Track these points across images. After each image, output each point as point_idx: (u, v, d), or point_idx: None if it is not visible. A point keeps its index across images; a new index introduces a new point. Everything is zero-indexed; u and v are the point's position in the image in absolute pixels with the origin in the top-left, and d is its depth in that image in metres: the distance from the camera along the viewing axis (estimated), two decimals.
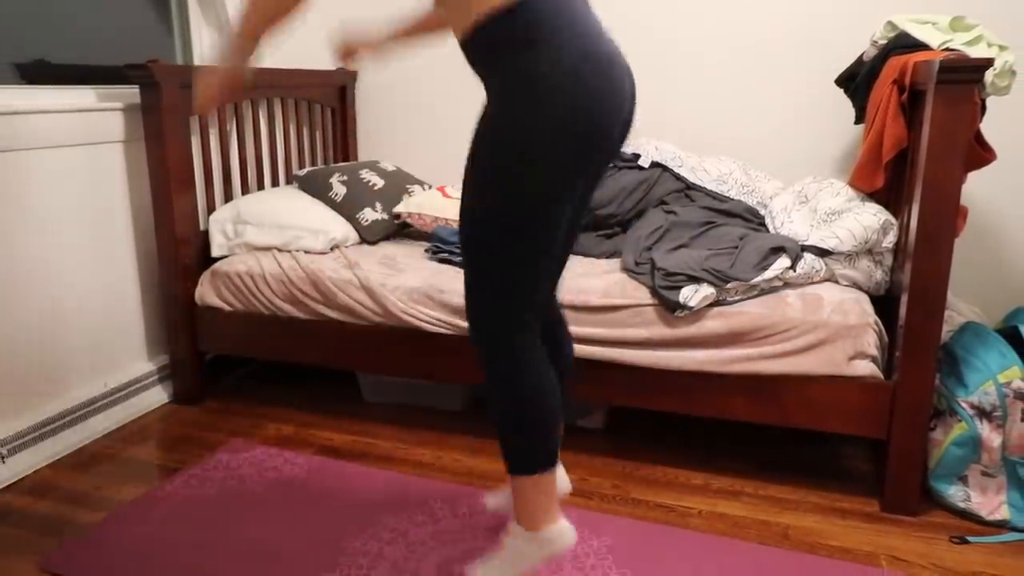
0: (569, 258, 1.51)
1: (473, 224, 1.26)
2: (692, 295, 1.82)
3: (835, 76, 2.37)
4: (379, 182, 2.57)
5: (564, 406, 1.55)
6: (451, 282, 2.06)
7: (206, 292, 2.29)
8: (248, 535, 1.66)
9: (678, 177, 2.39)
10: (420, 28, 1.55)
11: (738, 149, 2.67)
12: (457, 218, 2.38)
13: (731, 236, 2.04)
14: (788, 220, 2.06)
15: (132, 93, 2.19)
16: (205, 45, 2.59)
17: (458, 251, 2.23)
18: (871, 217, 1.91)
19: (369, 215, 2.46)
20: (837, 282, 1.95)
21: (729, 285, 1.84)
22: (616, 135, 1.24)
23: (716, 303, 1.85)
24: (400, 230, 2.58)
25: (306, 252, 2.29)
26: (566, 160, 1.18)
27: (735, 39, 2.60)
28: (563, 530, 1.37)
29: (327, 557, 1.59)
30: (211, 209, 2.43)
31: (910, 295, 1.67)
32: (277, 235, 2.30)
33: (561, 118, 1.14)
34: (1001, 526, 1.74)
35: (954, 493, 1.77)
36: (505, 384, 1.31)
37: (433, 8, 1.30)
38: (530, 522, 1.36)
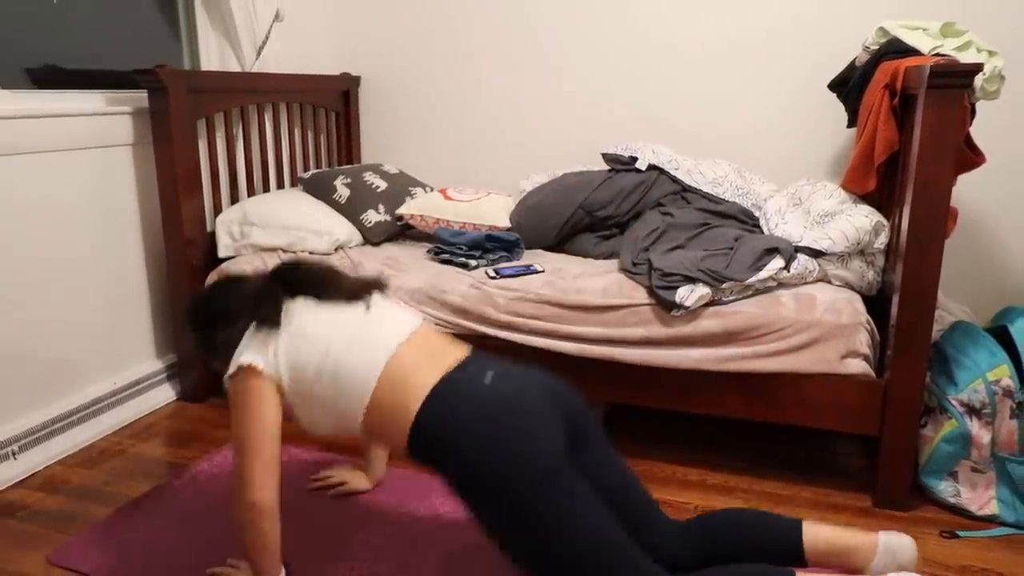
0: (643, 502, 1.43)
1: (533, 565, 1.26)
2: (688, 295, 1.82)
3: (828, 81, 2.37)
4: (382, 184, 2.57)
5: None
6: (452, 282, 2.06)
7: None
8: None
9: (674, 180, 2.39)
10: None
11: (733, 152, 2.67)
12: (458, 220, 2.39)
13: (726, 237, 2.04)
14: (782, 221, 2.06)
15: (141, 97, 2.19)
16: (212, 50, 2.59)
17: (459, 252, 2.23)
18: (863, 219, 1.91)
19: (372, 217, 2.46)
20: (830, 282, 1.95)
21: (724, 285, 1.84)
22: (552, 433, 1.28)
23: (712, 303, 1.85)
24: (402, 231, 2.58)
25: (311, 253, 2.29)
26: (533, 488, 1.23)
27: (730, 45, 2.60)
28: None
29: (331, 550, 1.59)
30: (218, 211, 2.43)
31: (901, 295, 1.67)
32: (282, 236, 2.30)
33: (505, 478, 1.24)
34: (990, 521, 1.74)
35: (944, 488, 1.77)
36: None
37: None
38: None
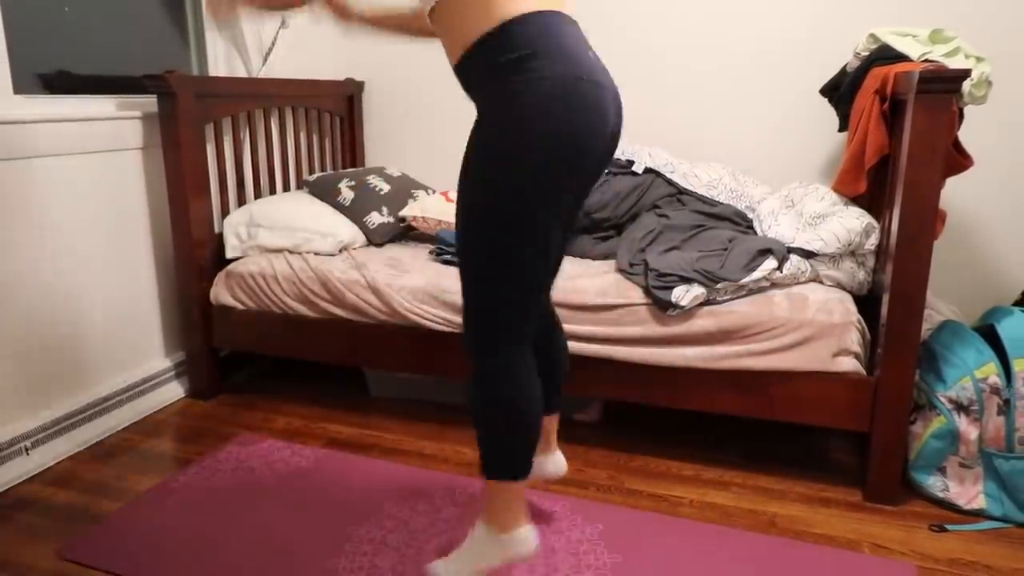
0: (562, 262, 1.50)
1: (466, 238, 1.25)
2: (684, 295, 1.82)
3: (820, 86, 2.37)
4: (385, 187, 2.57)
5: (557, 403, 1.58)
6: (454, 282, 2.06)
7: (220, 292, 2.29)
8: (257, 523, 1.66)
9: (670, 182, 2.39)
10: (409, 29, 1.52)
11: (728, 156, 2.67)
12: None
13: (721, 238, 2.04)
14: (775, 223, 2.06)
15: (150, 102, 2.19)
16: (219, 56, 2.59)
17: None
18: (854, 220, 1.91)
19: (376, 218, 2.46)
20: (822, 282, 1.95)
21: (719, 285, 1.84)
22: (600, 153, 1.22)
23: (706, 302, 1.85)
24: (405, 233, 2.58)
25: (316, 254, 2.29)
26: (551, 179, 1.17)
27: (725, 52, 2.60)
28: (527, 535, 1.37)
29: (333, 543, 1.59)
30: (225, 213, 2.44)
31: (891, 295, 1.67)
32: (288, 237, 2.30)
33: (544, 141, 1.14)
34: (978, 515, 1.74)
35: (933, 483, 1.77)
36: (489, 389, 1.30)
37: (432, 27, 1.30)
38: (496, 523, 1.36)
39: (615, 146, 1.30)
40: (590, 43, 1.24)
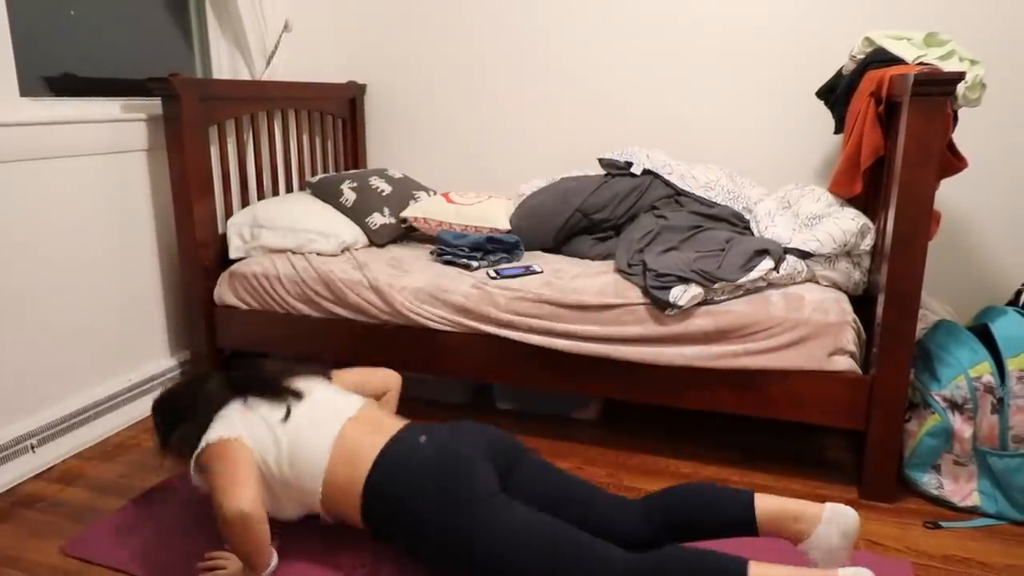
0: (550, 472, 1.51)
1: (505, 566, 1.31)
2: (681, 294, 1.82)
3: (816, 89, 2.37)
4: (387, 188, 2.57)
5: (740, 515, 1.39)
6: (454, 282, 2.06)
7: (224, 292, 2.29)
8: None
9: (668, 184, 2.39)
10: None
11: (725, 157, 2.67)
12: (460, 222, 2.39)
13: (718, 239, 2.04)
14: (772, 224, 2.07)
15: (154, 105, 2.19)
16: (223, 59, 2.59)
17: (461, 253, 2.23)
18: (850, 221, 1.91)
19: (377, 219, 2.46)
20: (818, 282, 1.95)
21: (716, 285, 1.84)
22: (491, 476, 1.40)
23: (704, 302, 1.86)
24: (407, 233, 2.58)
25: (318, 254, 2.29)
26: (481, 515, 1.33)
27: (723, 56, 2.60)
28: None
29: (335, 540, 1.58)
30: (229, 214, 2.44)
31: (886, 295, 1.68)
32: (291, 238, 2.31)
33: (454, 515, 1.34)
34: (972, 512, 1.74)
35: (928, 481, 1.77)
36: None
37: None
38: None
39: (496, 435, 1.51)
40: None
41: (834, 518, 1.33)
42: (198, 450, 1.46)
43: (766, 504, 1.36)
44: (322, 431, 1.49)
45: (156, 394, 1.70)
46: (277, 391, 1.57)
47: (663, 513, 1.40)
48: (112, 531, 1.62)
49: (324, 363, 1.72)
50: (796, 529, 1.34)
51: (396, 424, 1.54)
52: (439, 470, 1.39)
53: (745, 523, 1.36)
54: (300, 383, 1.62)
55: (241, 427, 1.48)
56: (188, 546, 1.57)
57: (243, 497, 1.34)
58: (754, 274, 1.86)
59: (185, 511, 1.69)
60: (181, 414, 1.59)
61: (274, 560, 1.43)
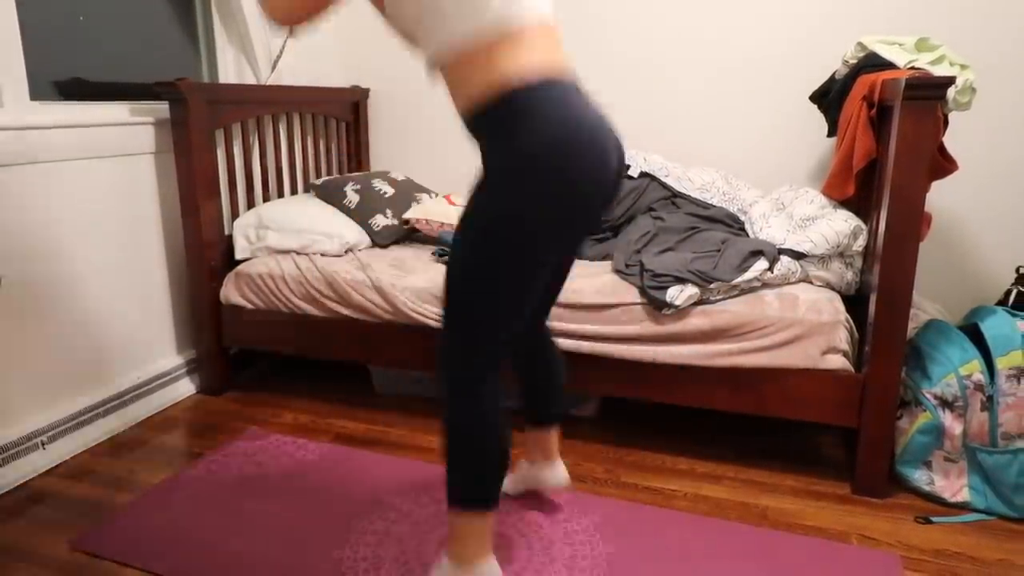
0: (562, 288, 1.50)
1: (457, 271, 1.22)
2: (678, 294, 1.82)
3: (809, 93, 2.37)
4: (390, 190, 2.57)
5: (556, 416, 1.63)
6: None
7: (230, 292, 2.29)
8: (265, 515, 1.66)
9: (665, 186, 2.38)
10: None
11: (720, 160, 2.67)
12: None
13: (714, 240, 2.04)
14: (766, 225, 2.06)
15: (162, 108, 2.19)
16: (229, 64, 2.59)
17: None
18: (842, 223, 1.91)
19: (380, 221, 2.46)
20: (811, 283, 1.95)
21: (712, 285, 1.84)
22: (598, 205, 1.22)
23: (700, 302, 1.85)
24: (409, 235, 2.58)
25: (322, 255, 2.29)
26: (548, 230, 1.16)
27: (718, 60, 2.60)
28: (490, 570, 1.32)
29: (338, 535, 1.59)
30: (235, 215, 2.43)
31: (879, 294, 1.67)
32: (296, 239, 2.30)
33: (546, 196, 1.13)
34: (962, 507, 1.74)
35: (919, 477, 1.77)
36: (456, 418, 1.26)
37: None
38: (459, 556, 1.31)
39: (614, 198, 1.27)
40: (591, 98, 1.23)
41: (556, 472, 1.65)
42: None
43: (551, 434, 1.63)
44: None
45: None
46: None
47: (532, 361, 1.56)
48: (121, 526, 1.62)
49: None
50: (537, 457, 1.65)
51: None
52: (588, 161, 1.14)
53: (540, 419, 1.62)
54: None
55: None
56: (195, 541, 1.57)
57: None
58: (749, 274, 1.86)
59: (193, 507, 1.69)
60: None
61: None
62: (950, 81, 1.55)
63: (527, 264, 1.18)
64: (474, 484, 1.28)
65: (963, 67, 1.84)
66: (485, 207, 1.17)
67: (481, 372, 1.26)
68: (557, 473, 1.66)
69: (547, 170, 1.12)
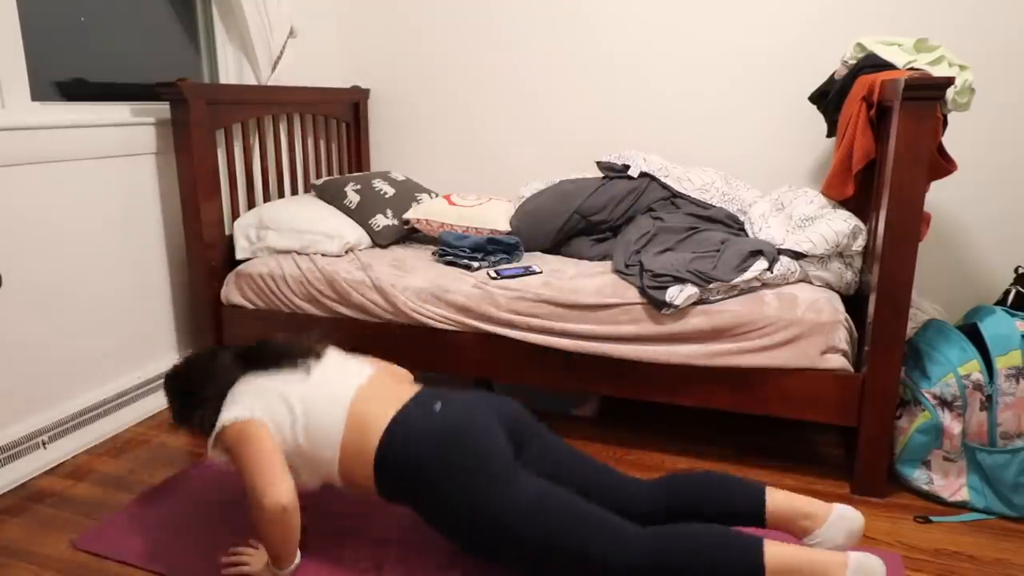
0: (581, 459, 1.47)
1: (520, 559, 1.28)
2: (677, 294, 1.82)
3: (809, 94, 2.37)
4: (390, 191, 2.57)
5: (756, 504, 1.37)
6: (456, 283, 2.06)
7: (231, 292, 2.29)
8: None
9: (664, 186, 2.38)
10: None
11: (720, 160, 2.67)
12: (461, 224, 2.38)
13: (713, 240, 2.03)
14: (766, 226, 2.06)
15: (163, 109, 2.19)
16: (230, 64, 2.59)
17: (462, 254, 2.23)
18: (842, 223, 1.91)
19: (381, 221, 2.45)
20: (811, 282, 1.95)
21: (711, 285, 1.84)
22: (506, 447, 1.36)
23: (700, 302, 1.85)
24: (409, 235, 2.58)
25: (323, 255, 2.29)
26: (496, 487, 1.29)
27: (718, 62, 2.60)
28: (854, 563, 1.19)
29: (339, 534, 1.58)
30: (235, 215, 2.43)
31: (878, 294, 1.67)
32: (296, 239, 2.30)
33: (468, 488, 1.30)
34: (961, 507, 1.74)
35: (918, 476, 1.77)
36: None
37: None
38: None
39: (512, 408, 1.46)
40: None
41: (841, 519, 1.33)
42: (215, 431, 1.41)
43: (778, 499, 1.36)
44: (336, 398, 1.43)
45: (167, 370, 1.64)
46: (291, 357, 1.51)
47: (674, 494, 1.39)
48: (122, 525, 1.62)
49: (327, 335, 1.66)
50: (803, 525, 1.34)
51: (409, 390, 1.47)
52: (454, 439, 1.33)
53: (754, 516, 1.36)
54: (312, 346, 1.56)
55: (256, 404, 1.42)
56: (197, 541, 1.57)
57: (282, 491, 1.30)
58: (748, 274, 1.86)
59: (193, 506, 1.69)
60: (193, 391, 1.53)
61: (298, 557, 1.42)
62: (949, 82, 1.55)
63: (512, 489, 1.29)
64: (731, 563, 1.19)
65: (962, 68, 1.84)
66: (461, 522, 1.32)
67: (623, 547, 1.23)
68: (843, 518, 1.36)
69: (450, 482, 1.32)
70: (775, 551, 1.20)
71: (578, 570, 1.23)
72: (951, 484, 1.74)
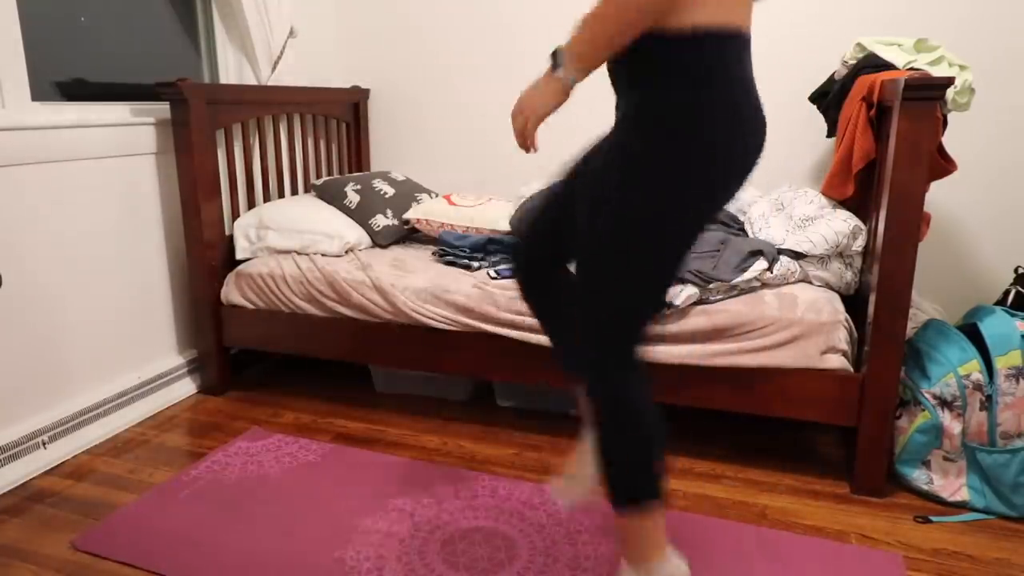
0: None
1: (606, 246, 1.10)
2: (677, 294, 1.82)
3: (809, 93, 2.36)
4: (390, 191, 2.56)
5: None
6: (456, 283, 2.06)
7: (231, 292, 2.29)
8: (267, 515, 1.66)
9: None
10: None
11: None
12: (461, 224, 2.38)
13: (713, 240, 2.03)
14: (766, 226, 2.06)
15: (163, 109, 2.19)
16: (230, 64, 2.59)
17: (462, 254, 2.22)
18: (842, 223, 1.91)
19: (381, 221, 2.45)
20: (811, 282, 1.94)
21: (711, 285, 1.84)
22: (746, 177, 1.13)
23: (700, 302, 1.85)
24: (409, 235, 2.58)
25: (323, 255, 2.29)
26: (703, 205, 1.07)
27: None
28: (677, 568, 1.22)
29: (341, 535, 1.58)
30: (236, 215, 2.43)
31: (878, 294, 1.67)
32: (296, 239, 2.30)
33: (712, 170, 1.05)
34: (961, 507, 1.74)
35: (918, 476, 1.77)
36: (617, 409, 1.16)
37: None
38: (640, 558, 1.21)
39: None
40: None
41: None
42: None
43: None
44: None
45: None
46: None
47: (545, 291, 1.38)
48: (123, 526, 1.62)
49: None
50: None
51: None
52: (742, 144, 1.07)
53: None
54: None
55: None
56: (198, 541, 1.56)
57: None
58: (748, 274, 1.86)
59: (195, 507, 1.69)
60: None
61: (585, 77, 1.08)
62: (949, 82, 1.55)
63: (687, 236, 1.10)
64: (643, 476, 1.18)
65: (962, 68, 1.84)
66: (646, 170, 1.05)
67: (636, 356, 1.17)
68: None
69: (723, 139, 1.03)
70: (661, 508, 1.22)
71: (618, 330, 1.14)
72: (951, 484, 1.74)
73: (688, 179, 1.05)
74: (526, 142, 1.16)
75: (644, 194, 1.06)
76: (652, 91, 1.06)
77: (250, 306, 2.27)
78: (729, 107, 1.04)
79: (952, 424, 1.71)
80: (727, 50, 1.04)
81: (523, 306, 1.96)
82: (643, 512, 1.19)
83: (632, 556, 1.23)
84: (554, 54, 1.08)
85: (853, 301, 1.95)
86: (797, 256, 1.92)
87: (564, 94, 1.09)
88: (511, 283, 2.02)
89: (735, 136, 1.05)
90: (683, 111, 1.04)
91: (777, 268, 1.89)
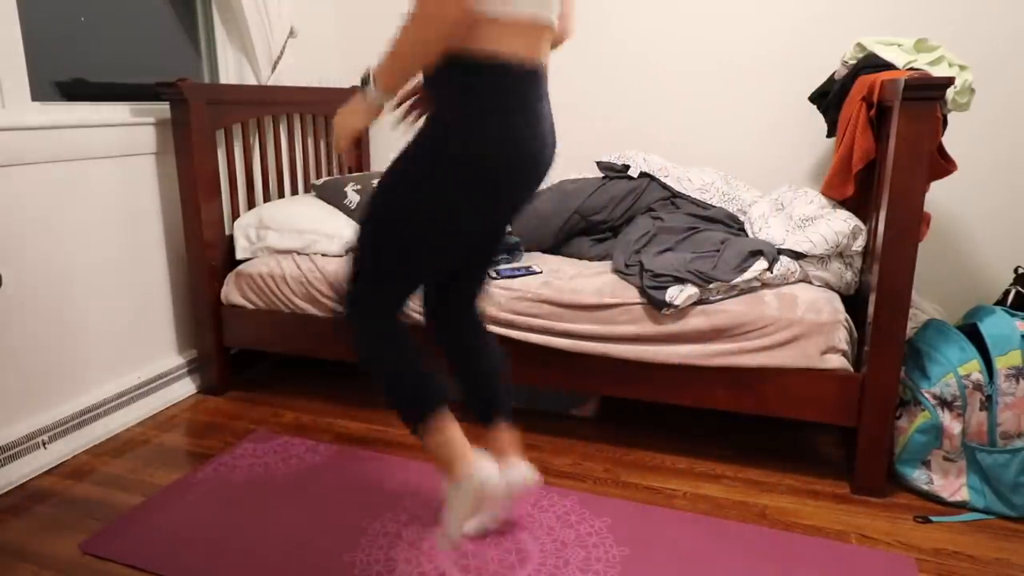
0: (483, 274, 1.54)
1: (377, 214, 1.31)
2: (677, 294, 1.82)
3: (809, 94, 2.37)
4: None
5: (502, 414, 1.57)
6: None
7: (231, 292, 2.29)
8: (275, 518, 1.65)
9: (664, 186, 2.38)
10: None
11: (720, 160, 2.67)
12: None
13: (713, 240, 2.04)
14: (766, 226, 2.06)
15: (163, 109, 2.19)
16: (230, 65, 2.59)
17: None
18: (842, 223, 1.91)
19: None
20: (810, 282, 1.95)
21: (711, 285, 1.84)
22: (524, 197, 1.34)
23: (699, 302, 1.85)
24: None
25: (323, 255, 2.29)
26: (440, 209, 1.26)
27: (718, 63, 2.60)
28: (478, 465, 1.36)
29: (349, 537, 1.58)
30: (236, 215, 2.43)
31: (878, 294, 1.67)
32: (296, 239, 2.30)
33: (474, 183, 1.24)
34: (961, 507, 1.74)
35: (918, 476, 1.77)
36: (367, 352, 1.36)
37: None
38: (446, 470, 1.38)
39: (537, 185, 1.36)
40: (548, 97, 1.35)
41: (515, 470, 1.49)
42: None
43: (503, 435, 1.53)
44: None
45: None
46: None
47: (458, 351, 1.55)
48: (130, 528, 1.62)
49: None
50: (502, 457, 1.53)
51: (544, 62, 1.32)
52: (528, 160, 1.26)
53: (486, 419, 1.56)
54: None
55: None
56: (205, 544, 1.56)
57: None
58: (748, 274, 1.86)
59: (202, 509, 1.69)
60: None
61: (394, 98, 1.36)
62: (949, 82, 1.55)
63: (445, 231, 1.28)
64: (411, 400, 1.36)
65: (962, 68, 1.84)
66: (424, 155, 1.25)
67: (376, 317, 1.36)
68: (516, 473, 1.48)
69: (480, 166, 1.22)
70: (448, 421, 1.38)
71: (360, 286, 1.35)
72: (951, 484, 1.74)
73: (430, 183, 1.25)
74: (341, 152, 1.36)
75: (396, 180, 1.28)
76: (437, 106, 1.27)
77: (250, 306, 2.27)
78: (483, 130, 1.22)
79: (952, 424, 1.71)
80: (500, 79, 1.22)
81: (523, 306, 1.96)
82: (427, 430, 1.36)
83: (442, 471, 1.39)
84: (364, 79, 1.26)
85: (853, 301, 1.95)
86: (797, 256, 1.93)
87: (375, 112, 1.28)
88: (511, 283, 2.02)
89: (483, 156, 1.22)
90: (443, 128, 1.24)
91: (777, 268, 1.89)
